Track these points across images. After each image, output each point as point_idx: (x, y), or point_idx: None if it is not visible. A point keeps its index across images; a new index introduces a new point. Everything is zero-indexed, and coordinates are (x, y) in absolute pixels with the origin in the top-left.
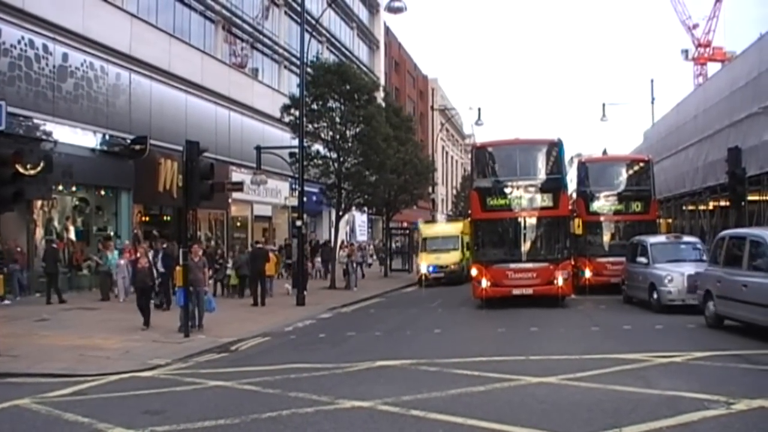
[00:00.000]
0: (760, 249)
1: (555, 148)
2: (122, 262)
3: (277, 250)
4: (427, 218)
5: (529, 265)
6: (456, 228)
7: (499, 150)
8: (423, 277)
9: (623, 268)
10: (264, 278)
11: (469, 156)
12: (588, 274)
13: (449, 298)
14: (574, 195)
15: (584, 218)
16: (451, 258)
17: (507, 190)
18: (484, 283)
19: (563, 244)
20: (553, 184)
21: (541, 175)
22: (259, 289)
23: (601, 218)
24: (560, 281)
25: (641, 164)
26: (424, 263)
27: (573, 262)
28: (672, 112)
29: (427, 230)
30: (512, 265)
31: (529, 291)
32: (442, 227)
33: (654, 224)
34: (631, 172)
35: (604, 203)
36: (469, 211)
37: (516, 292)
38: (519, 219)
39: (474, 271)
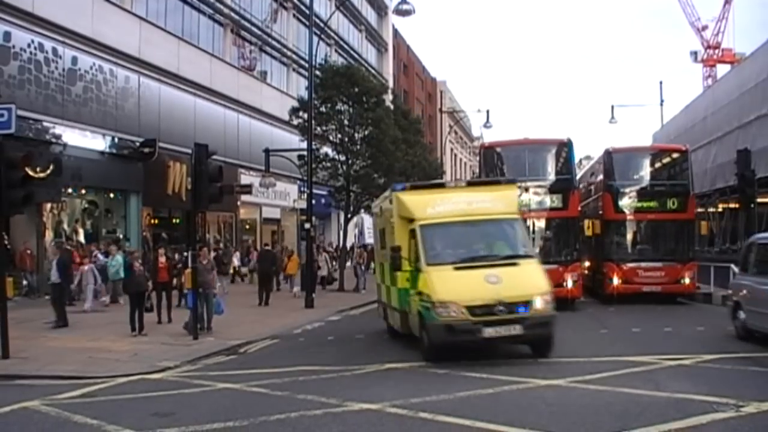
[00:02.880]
0: None
1: (565, 148)
2: (86, 267)
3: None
4: None
5: None
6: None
7: (508, 150)
8: (443, 332)
9: (734, 283)
10: (270, 280)
11: (477, 157)
12: (616, 281)
13: None
14: (594, 190)
15: (611, 217)
16: (532, 280)
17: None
18: None
19: (573, 246)
20: (563, 185)
21: (551, 176)
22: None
23: (631, 217)
24: (570, 284)
25: (677, 155)
26: (445, 293)
27: (599, 268)
28: (681, 114)
29: (429, 204)
30: None
31: None
32: (473, 198)
33: (692, 224)
34: (665, 163)
35: (634, 199)
36: None
37: None
38: (528, 220)
39: None
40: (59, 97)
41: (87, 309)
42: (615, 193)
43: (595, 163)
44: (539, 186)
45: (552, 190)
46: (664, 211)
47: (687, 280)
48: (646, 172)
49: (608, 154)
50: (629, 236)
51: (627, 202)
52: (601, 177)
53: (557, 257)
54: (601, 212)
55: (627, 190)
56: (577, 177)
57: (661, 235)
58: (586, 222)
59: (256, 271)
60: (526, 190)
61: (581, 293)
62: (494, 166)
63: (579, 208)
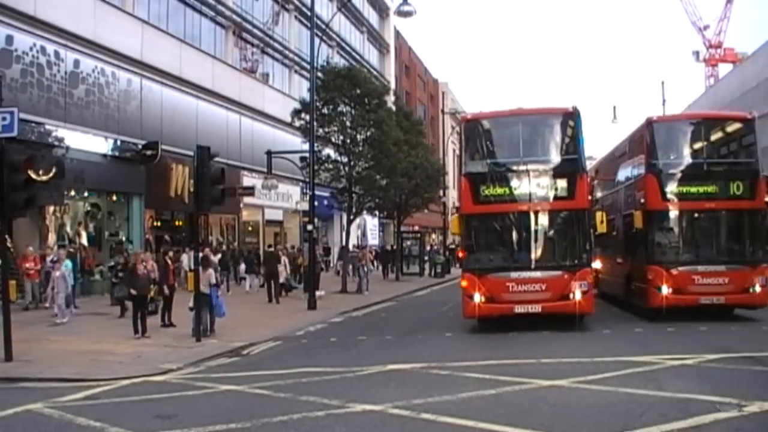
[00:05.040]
0: None
1: (571, 120)
2: (57, 273)
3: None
4: (438, 222)
5: (537, 275)
6: None
7: (497, 123)
8: None
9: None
10: (277, 279)
11: (458, 132)
12: (665, 290)
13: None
14: (625, 175)
15: (656, 206)
16: None
17: (508, 176)
18: (477, 298)
19: (582, 245)
20: (569, 168)
21: (553, 156)
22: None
23: (684, 206)
24: (578, 295)
25: (740, 125)
26: None
27: (638, 273)
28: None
29: None
30: (514, 275)
31: (537, 308)
32: None
33: (762, 214)
34: (724, 136)
35: (686, 184)
36: (458, 204)
37: (519, 309)
38: (523, 213)
39: (464, 283)
40: (62, 100)
41: (63, 321)
42: (659, 175)
43: (626, 141)
44: (538, 169)
45: (555, 174)
46: (726, 198)
47: (758, 288)
48: (700, 147)
49: (649, 124)
50: (681, 232)
51: (676, 188)
52: (640, 157)
53: (561, 261)
54: (642, 201)
55: (675, 171)
56: (587, 160)
57: (722, 230)
58: (598, 215)
59: (263, 272)
60: (520, 175)
61: (593, 307)
62: (480, 144)
63: (590, 198)
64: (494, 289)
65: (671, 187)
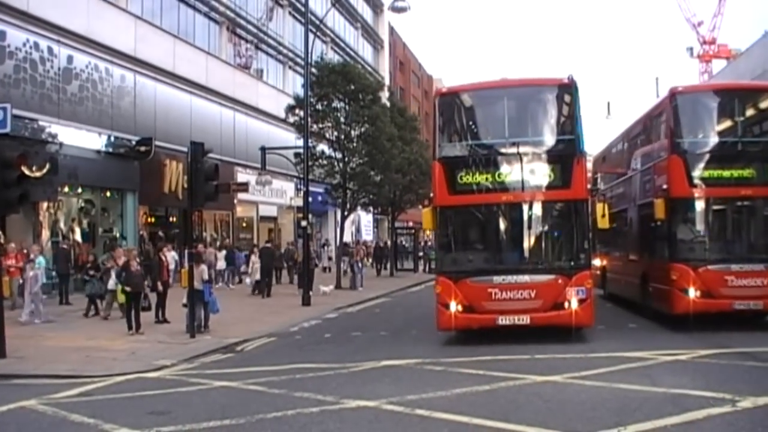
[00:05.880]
0: None
1: (567, 94)
2: (31, 273)
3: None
4: None
5: (525, 279)
6: None
7: (479, 97)
8: None
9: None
10: (271, 275)
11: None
12: (693, 293)
13: None
14: (648, 151)
15: (682, 193)
16: None
17: (490, 160)
18: (454, 306)
19: (579, 243)
20: (564, 150)
21: (546, 136)
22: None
23: (714, 193)
24: (574, 303)
25: None
26: None
27: (658, 272)
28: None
29: None
30: (497, 279)
31: (525, 320)
32: None
33: None
34: (761, 111)
35: (717, 167)
36: (431, 195)
37: (503, 321)
38: (508, 205)
39: (438, 289)
40: (55, 96)
41: (23, 320)
42: (685, 155)
43: (642, 119)
44: (527, 153)
45: (548, 158)
46: (765, 184)
47: None
48: (734, 123)
49: (672, 97)
50: (711, 225)
51: (705, 172)
52: (661, 136)
53: (555, 263)
54: (664, 187)
55: (704, 152)
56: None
57: (759, 221)
58: (599, 207)
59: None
60: (505, 159)
61: (592, 318)
62: (457, 123)
63: (589, 187)
64: (474, 296)
65: (700, 171)
